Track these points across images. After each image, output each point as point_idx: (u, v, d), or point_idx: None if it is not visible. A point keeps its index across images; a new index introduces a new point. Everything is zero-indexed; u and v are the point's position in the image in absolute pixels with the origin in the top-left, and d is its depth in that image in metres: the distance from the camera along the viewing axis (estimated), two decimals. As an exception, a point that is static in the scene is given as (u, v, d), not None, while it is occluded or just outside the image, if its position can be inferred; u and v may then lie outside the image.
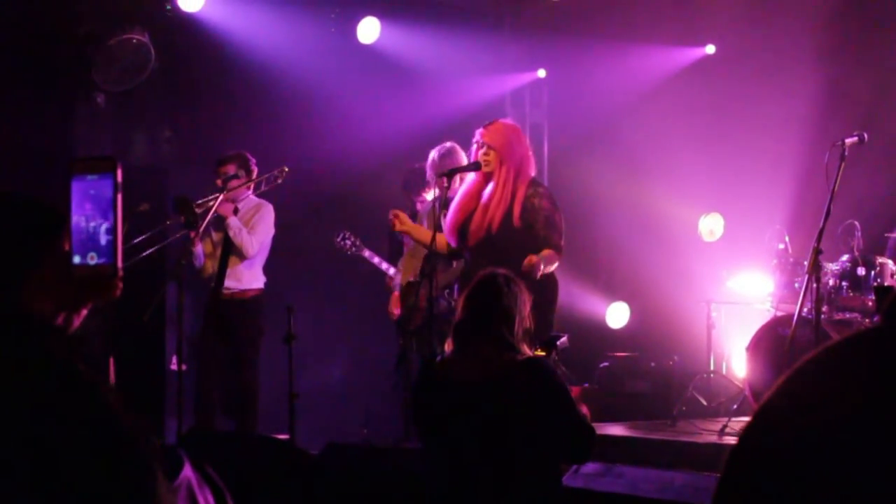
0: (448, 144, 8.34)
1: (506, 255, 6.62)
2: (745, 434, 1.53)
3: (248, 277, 8.96)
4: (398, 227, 7.44)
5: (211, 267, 8.97)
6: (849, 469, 1.38)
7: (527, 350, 5.03)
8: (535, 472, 4.90)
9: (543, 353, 5.36)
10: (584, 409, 5.27)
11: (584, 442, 5.01)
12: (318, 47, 10.52)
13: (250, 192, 9.08)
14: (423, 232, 7.46)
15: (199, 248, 8.85)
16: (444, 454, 5.02)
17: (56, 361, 1.75)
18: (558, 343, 5.59)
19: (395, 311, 8.83)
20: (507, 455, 4.86)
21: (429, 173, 8.40)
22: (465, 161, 8.00)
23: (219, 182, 8.73)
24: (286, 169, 8.98)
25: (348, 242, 9.07)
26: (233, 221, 8.77)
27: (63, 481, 1.53)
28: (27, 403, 1.67)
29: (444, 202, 7.35)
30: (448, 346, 5.16)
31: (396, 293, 8.82)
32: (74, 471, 1.54)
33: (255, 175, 9.00)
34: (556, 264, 7.01)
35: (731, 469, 1.52)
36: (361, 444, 8.45)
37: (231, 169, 8.86)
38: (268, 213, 9.00)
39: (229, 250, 8.86)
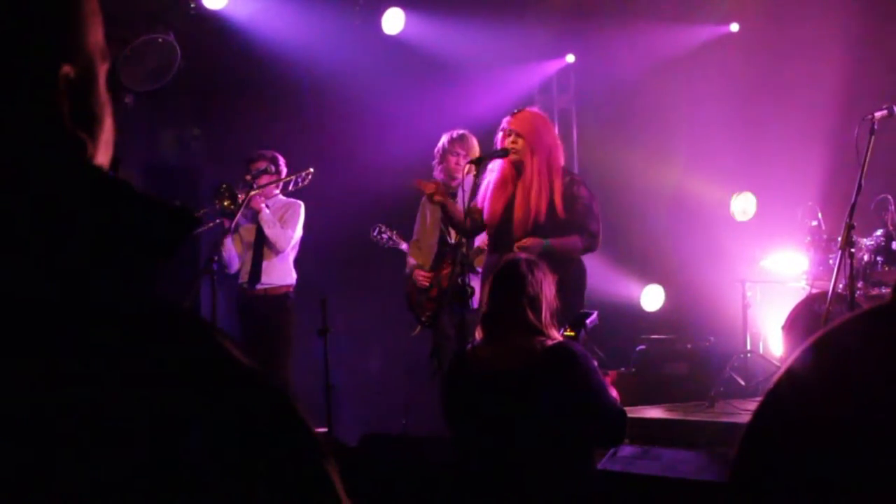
0: (460, 130, 8.31)
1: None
2: (760, 410, 1.52)
3: (281, 273, 9.00)
4: (438, 197, 7.34)
5: (242, 263, 9.00)
6: (867, 445, 1.37)
7: (555, 333, 5.03)
8: (567, 457, 4.91)
9: (573, 334, 5.37)
10: (615, 393, 5.26)
11: (615, 425, 5.03)
12: (343, 40, 10.51)
13: (278, 191, 9.12)
14: (458, 209, 7.37)
15: (228, 240, 8.88)
16: (475, 443, 5.03)
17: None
18: (588, 322, 5.59)
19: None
20: (538, 442, 4.86)
21: (436, 158, 8.37)
22: (477, 148, 7.98)
23: (248, 177, 8.75)
24: (311, 170, 9.03)
25: (384, 236, 9.05)
26: (266, 215, 8.81)
27: None
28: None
29: (473, 190, 7.34)
30: (478, 335, 5.16)
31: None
32: None
33: (283, 175, 9.04)
34: (577, 248, 7.01)
35: (748, 443, 1.51)
36: (398, 435, 8.46)
37: (261, 165, 8.89)
38: (298, 210, 9.04)
39: (262, 245, 8.91)
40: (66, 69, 1.07)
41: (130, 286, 1.05)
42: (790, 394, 1.49)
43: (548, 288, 5.08)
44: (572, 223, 7.03)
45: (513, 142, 7.09)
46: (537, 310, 4.99)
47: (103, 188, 1.07)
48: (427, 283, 8.42)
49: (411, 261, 8.68)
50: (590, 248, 7.17)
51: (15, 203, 1.02)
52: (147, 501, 0.96)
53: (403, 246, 9.05)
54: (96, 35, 1.12)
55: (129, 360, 1.00)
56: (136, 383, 0.99)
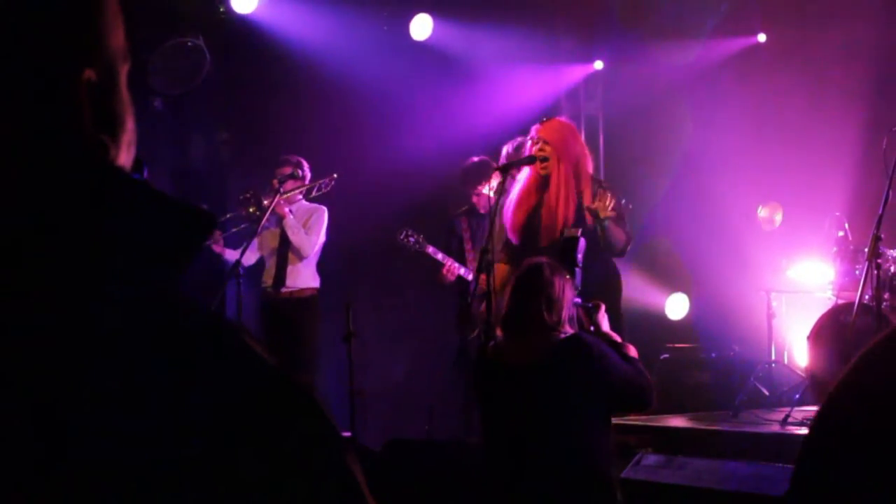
0: (520, 138, 8.30)
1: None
2: (819, 422, 1.53)
3: (305, 277, 9.06)
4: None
5: (267, 267, 9.07)
6: None
7: (568, 329, 5.16)
8: (588, 452, 5.02)
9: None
10: (633, 352, 5.38)
11: (643, 390, 5.20)
12: (372, 45, 10.54)
13: (302, 197, 9.17)
14: None
15: (254, 244, 8.94)
16: (501, 437, 5.15)
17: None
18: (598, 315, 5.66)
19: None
20: (561, 435, 4.98)
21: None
22: None
23: (275, 182, 8.80)
24: (335, 176, 9.09)
25: (412, 240, 9.04)
26: (291, 220, 8.87)
27: None
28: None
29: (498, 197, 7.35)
30: (498, 333, 5.30)
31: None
32: None
33: (307, 181, 9.10)
34: (622, 236, 7.10)
35: (810, 456, 1.51)
36: (423, 440, 8.47)
37: (287, 170, 8.95)
38: (323, 216, 9.10)
39: (287, 249, 8.96)
40: (89, 73, 1.08)
41: (153, 286, 1.07)
42: (851, 405, 1.49)
43: (568, 293, 5.25)
44: (601, 228, 7.04)
45: (540, 149, 7.10)
46: (557, 312, 5.14)
47: (124, 191, 1.09)
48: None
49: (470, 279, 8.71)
50: (625, 249, 7.20)
51: (37, 210, 1.04)
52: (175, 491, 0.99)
53: (430, 249, 9.05)
54: (118, 36, 1.14)
55: (152, 357, 1.02)
56: (159, 384, 1.01)
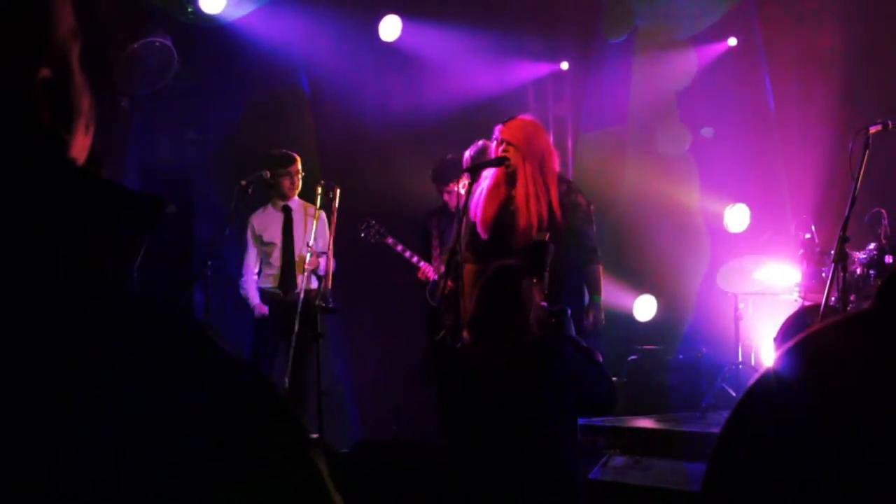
0: (480, 142, 8.31)
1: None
2: (734, 416, 1.54)
3: (309, 277, 9.01)
4: None
5: (272, 270, 9.02)
6: (843, 447, 1.38)
7: (536, 332, 5.18)
8: (555, 453, 5.02)
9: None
10: (598, 356, 5.42)
11: (607, 394, 5.25)
12: (341, 46, 10.53)
13: (296, 194, 9.16)
14: None
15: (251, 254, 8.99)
16: (468, 438, 5.15)
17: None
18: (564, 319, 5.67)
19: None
20: (528, 437, 4.98)
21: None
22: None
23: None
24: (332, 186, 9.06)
25: (372, 230, 9.05)
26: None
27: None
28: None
29: (466, 198, 7.35)
30: (465, 336, 5.29)
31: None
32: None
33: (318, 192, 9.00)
34: (600, 272, 7.13)
35: (722, 450, 1.52)
36: (390, 441, 8.46)
37: (266, 173, 8.82)
38: (325, 227, 8.96)
39: (292, 253, 8.93)
40: (44, 72, 1.07)
41: (108, 278, 1.06)
42: (765, 399, 1.50)
43: (535, 296, 5.27)
44: (571, 230, 7.03)
45: (504, 150, 7.09)
46: (524, 315, 5.16)
47: (80, 185, 1.08)
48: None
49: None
50: (598, 261, 7.19)
51: None
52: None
53: (390, 240, 9.03)
54: (67, 19, 1.12)
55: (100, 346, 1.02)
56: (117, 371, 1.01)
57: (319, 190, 8.57)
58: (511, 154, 7.07)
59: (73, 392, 1.00)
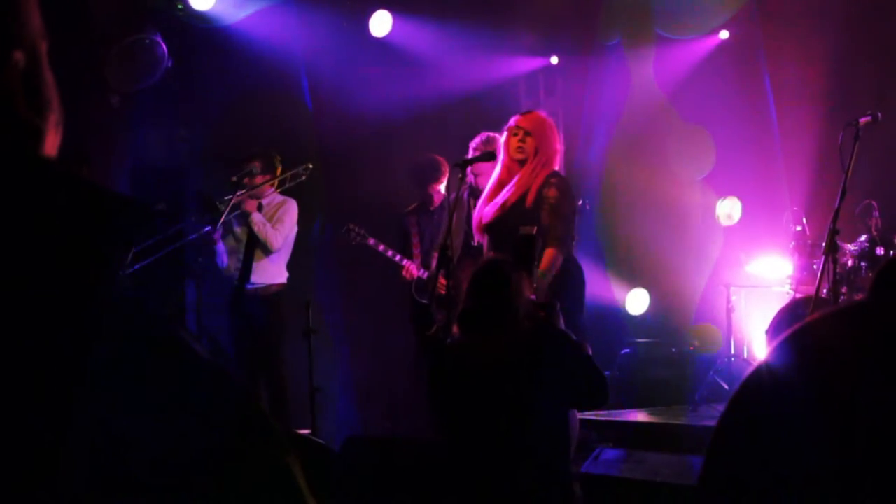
0: (485, 135, 8.26)
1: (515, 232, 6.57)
2: (730, 408, 1.54)
3: (272, 272, 8.99)
4: None
5: (234, 263, 9.00)
6: (836, 441, 1.38)
7: (528, 325, 5.18)
8: (548, 446, 5.03)
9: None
10: (587, 350, 5.43)
11: (599, 387, 5.22)
12: (331, 42, 10.51)
13: (274, 189, 9.12)
14: None
15: (220, 246, 8.89)
16: (462, 434, 5.14)
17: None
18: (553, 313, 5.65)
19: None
20: (521, 430, 4.98)
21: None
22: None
23: (234, 178, 8.75)
24: (310, 166, 9.05)
25: (353, 234, 9.06)
26: (256, 217, 8.82)
27: None
28: None
29: (473, 192, 7.35)
30: (455, 331, 5.28)
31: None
32: None
33: (279, 172, 9.06)
34: (559, 262, 6.93)
35: (718, 442, 1.52)
36: (383, 438, 8.46)
37: (256, 166, 8.90)
38: (292, 209, 9.05)
39: (254, 245, 8.91)
40: (18, 55, 1.07)
41: (85, 280, 1.05)
42: (760, 392, 1.50)
43: (525, 290, 5.25)
44: (536, 218, 6.88)
45: (520, 140, 7.04)
46: (514, 310, 5.14)
47: (53, 180, 1.07)
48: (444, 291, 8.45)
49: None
50: (566, 253, 7.06)
51: None
52: None
53: (371, 241, 9.03)
54: (36, 16, 1.12)
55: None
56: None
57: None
58: (527, 145, 7.03)
59: (52, 403, 1.00)
